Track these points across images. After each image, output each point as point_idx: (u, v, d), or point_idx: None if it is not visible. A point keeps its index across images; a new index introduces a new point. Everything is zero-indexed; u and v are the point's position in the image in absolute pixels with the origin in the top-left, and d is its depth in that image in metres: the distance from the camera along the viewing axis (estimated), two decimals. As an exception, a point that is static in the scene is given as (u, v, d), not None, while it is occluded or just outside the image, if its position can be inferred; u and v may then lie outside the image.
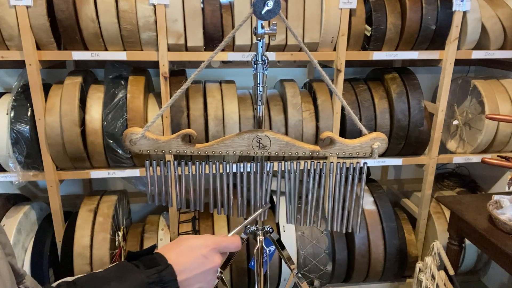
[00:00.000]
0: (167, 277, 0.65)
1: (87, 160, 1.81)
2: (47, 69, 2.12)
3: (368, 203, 2.11)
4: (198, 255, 0.71)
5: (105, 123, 1.74)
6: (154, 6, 1.64)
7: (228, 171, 1.11)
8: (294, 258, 1.99)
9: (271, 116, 1.88)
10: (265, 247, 1.24)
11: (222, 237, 0.77)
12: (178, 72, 1.97)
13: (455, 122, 2.20)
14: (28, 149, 1.74)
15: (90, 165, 1.86)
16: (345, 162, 1.08)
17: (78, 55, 1.69)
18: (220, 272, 1.37)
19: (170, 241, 1.98)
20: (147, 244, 1.99)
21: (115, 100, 1.77)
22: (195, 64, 2.15)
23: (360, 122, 1.07)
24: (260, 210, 1.09)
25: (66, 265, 1.81)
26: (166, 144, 1.05)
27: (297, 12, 1.75)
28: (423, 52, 1.91)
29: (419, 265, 1.83)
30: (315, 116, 1.91)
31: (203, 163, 1.11)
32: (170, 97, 1.77)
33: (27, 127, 1.73)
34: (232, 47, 1.79)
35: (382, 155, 2.05)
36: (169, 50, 1.73)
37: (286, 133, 1.88)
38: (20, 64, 1.71)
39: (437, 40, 1.90)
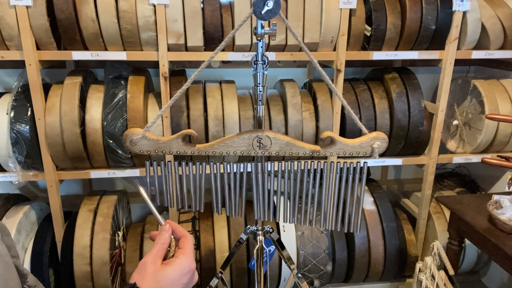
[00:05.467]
0: None
1: (87, 160, 1.81)
2: (47, 69, 2.12)
3: (368, 203, 2.11)
4: (179, 285, 0.68)
5: (105, 123, 1.74)
6: (154, 6, 1.64)
7: (229, 171, 1.11)
8: (294, 258, 1.99)
9: (271, 116, 1.88)
10: (265, 247, 1.24)
11: (190, 247, 0.73)
12: (178, 72, 1.97)
13: (455, 122, 2.21)
14: (28, 149, 1.74)
15: (90, 165, 1.86)
16: (346, 162, 1.08)
17: (78, 55, 1.69)
18: (220, 273, 1.38)
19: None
20: (147, 244, 1.99)
21: (115, 100, 1.77)
22: (195, 64, 2.15)
23: (360, 122, 1.07)
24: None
25: (66, 265, 1.81)
26: (167, 144, 1.05)
27: (297, 12, 1.75)
28: (423, 52, 1.91)
29: (419, 265, 1.83)
30: (315, 116, 1.91)
31: (204, 163, 1.11)
32: (170, 97, 1.77)
33: (27, 127, 1.73)
34: (232, 47, 1.79)
35: (382, 155, 2.05)
36: (169, 50, 1.73)
37: (286, 133, 1.87)
38: (20, 64, 1.71)
39: (437, 40, 1.90)
